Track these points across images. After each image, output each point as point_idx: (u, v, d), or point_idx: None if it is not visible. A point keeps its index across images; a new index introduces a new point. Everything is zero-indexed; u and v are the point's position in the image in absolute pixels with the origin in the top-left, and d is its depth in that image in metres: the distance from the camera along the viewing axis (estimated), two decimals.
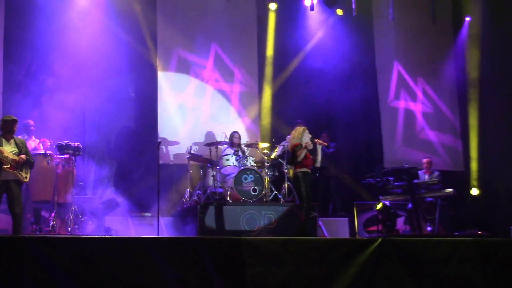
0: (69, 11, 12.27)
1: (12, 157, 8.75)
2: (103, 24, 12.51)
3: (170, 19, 13.24)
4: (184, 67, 13.30)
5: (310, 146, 9.93)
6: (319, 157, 10.15)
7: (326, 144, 10.24)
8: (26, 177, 8.92)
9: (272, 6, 14.00)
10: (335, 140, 13.77)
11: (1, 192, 8.75)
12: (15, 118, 9.05)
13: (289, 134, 11.19)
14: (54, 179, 10.17)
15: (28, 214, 10.10)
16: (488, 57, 14.89)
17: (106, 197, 11.08)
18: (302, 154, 9.77)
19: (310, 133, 10.09)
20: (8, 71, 11.71)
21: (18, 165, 8.77)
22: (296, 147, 9.87)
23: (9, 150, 8.80)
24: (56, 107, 11.55)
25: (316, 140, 10.12)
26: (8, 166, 8.68)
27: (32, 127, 10.73)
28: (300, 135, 9.96)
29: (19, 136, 9.55)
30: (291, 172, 10.52)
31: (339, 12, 14.14)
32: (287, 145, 11.38)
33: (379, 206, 12.21)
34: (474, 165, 14.67)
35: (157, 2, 13.16)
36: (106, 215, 10.75)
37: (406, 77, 14.86)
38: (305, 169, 9.82)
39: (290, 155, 10.19)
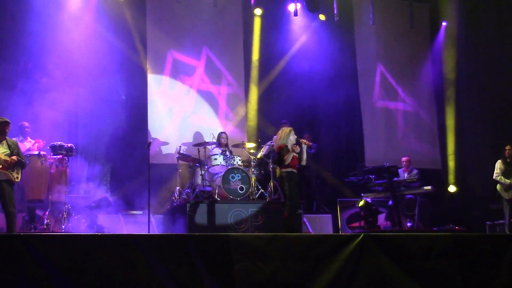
0: (62, 15, 12.32)
1: (4, 158, 8.82)
2: (94, 27, 12.56)
3: (159, 23, 13.31)
4: (172, 70, 13.37)
5: (298, 150, 10.00)
6: (304, 156, 10.18)
7: (310, 144, 10.45)
8: (17, 177, 9.01)
9: (258, 11, 14.10)
10: (318, 140, 13.85)
11: None
12: (6, 119, 9.11)
13: (275, 134, 11.30)
14: (48, 179, 10.26)
15: (23, 213, 10.18)
16: (464, 60, 15.13)
17: (98, 196, 11.13)
18: (289, 157, 9.83)
19: (295, 133, 10.16)
20: (2, 73, 11.70)
21: (9, 166, 8.86)
22: (283, 149, 9.91)
23: (1, 151, 8.88)
24: (49, 108, 11.58)
25: (301, 140, 10.19)
26: (0, 166, 8.77)
27: (27, 129, 10.79)
28: (286, 136, 9.99)
29: (14, 138, 9.68)
30: (278, 172, 10.64)
31: (322, 17, 14.24)
32: (272, 145, 11.60)
33: (361, 203, 12.38)
34: (451, 163, 14.84)
35: (146, 7, 13.25)
36: (99, 214, 10.83)
37: (386, 79, 15.06)
38: (290, 169, 9.85)
39: (276, 155, 10.24)
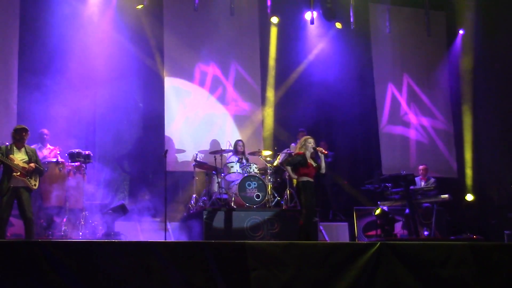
0: (80, 21, 12.48)
1: (22, 165, 8.96)
2: (112, 36, 12.69)
3: (176, 32, 13.41)
4: (189, 78, 13.47)
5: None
6: (323, 164, 10.06)
7: (326, 152, 10.41)
8: (35, 185, 9.13)
9: (274, 20, 14.14)
10: (334, 148, 13.84)
11: (12, 198, 8.94)
12: (24, 126, 9.24)
13: (293, 142, 11.50)
14: (65, 186, 10.37)
15: (41, 219, 10.26)
16: (481, 68, 15.05)
17: (116, 203, 11.23)
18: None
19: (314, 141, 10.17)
20: (23, 82, 11.92)
21: (27, 173, 8.99)
22: (296, 156, 9.99)
23: (19, 158, 9.01)
24: (67, 116, 11.79)
25: (317, 148, 10.10)
26: (18, 173, 8.89)
27: (45, 136, 10.93)
28: (299, 144, 10.12)
29: (34, 145, 9.82)
30: (295, 181, 10.72)
31: (338, 25, 14.24)
32: (289, 152, 11.64)
33: (378, 211, 12.28)
34: (468, 172, 14.74)
35: (163, 15, 13.36)
36: (116, 220, 10.89)
37: (403, 87, 15.03)
38: (305, 178, 9.84)
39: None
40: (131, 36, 12.91)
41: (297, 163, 9.88)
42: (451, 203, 12.96)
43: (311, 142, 10.04)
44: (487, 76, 15.04)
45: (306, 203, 9.82)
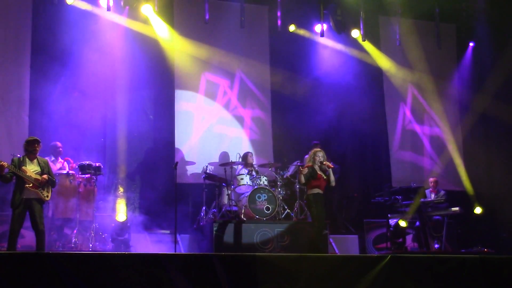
0: (92, 34, 12.50)
1: (34, 177, 8.92)
2: (123, 48, 12.75)
3: (187, 44, 13.38)
4: (200, 90, 13.47)
5: (305, 172, 9.92)
6: (331, 177, 10.12)
7: (332, 166, 10.41)
8: (47, 196, 9.09)
9: (292, 27, 14.11)
10: (345, 160, 13.82)
11: (24, 210, 8.89)
12: (36, 138, 9.21)
13: (306, 155, 11.43)
14: (76, 198, 10.44)
15: (51, 231, 10.30)
16: (491, 81, 14.86)
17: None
18: (301, 178, 9.93)
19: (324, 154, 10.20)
20: (34, 94, 11.97)
21: (40, 185, 8.95)
22: (307, 168, 9.99)
23: (32, 169, 8.97)
24: (78, 128, 11.90)
25: (324, 163, 10.11)
26: (31, 185, 8.85)
27: (60, 149, 10.98)
28: (309, 157, 10.18)
29: (46, 157, 9.85)
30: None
31: (355, 33, 14.22)
32: (299, 165, 11.65)
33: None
34: (478, 184, 14.54)
35: (175, 28, 13.35)
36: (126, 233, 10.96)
37: (413, 100, 15.01)
38: (316, 190, 9.91)
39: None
40: (142, 48, 12.97)
41: (309, 176, 9.91)
42: (462, 216, 12.89)
43: (319, 155, 10.08)
44: (497, 88, 14.97)
45: (318, 214, 9.84)
